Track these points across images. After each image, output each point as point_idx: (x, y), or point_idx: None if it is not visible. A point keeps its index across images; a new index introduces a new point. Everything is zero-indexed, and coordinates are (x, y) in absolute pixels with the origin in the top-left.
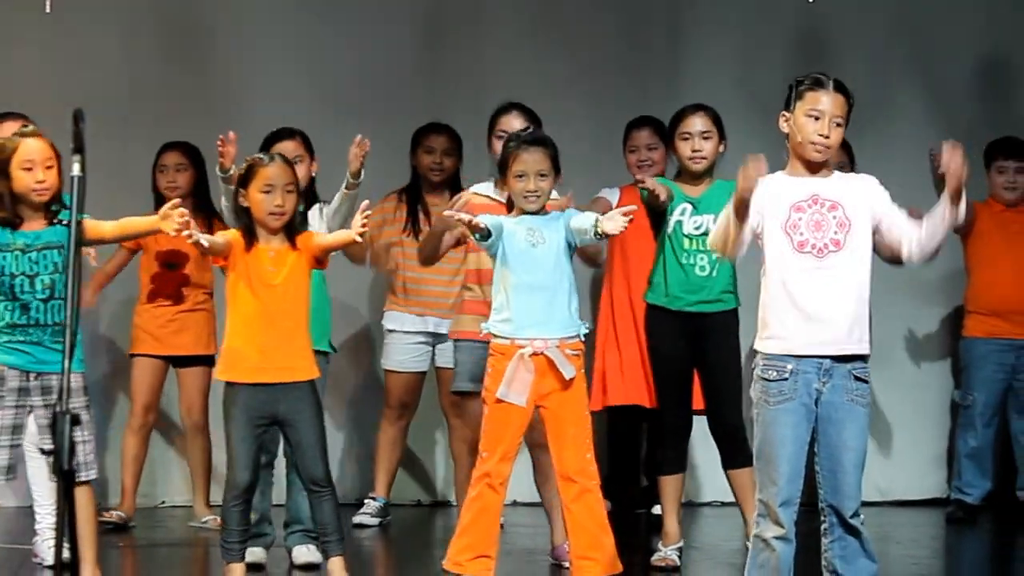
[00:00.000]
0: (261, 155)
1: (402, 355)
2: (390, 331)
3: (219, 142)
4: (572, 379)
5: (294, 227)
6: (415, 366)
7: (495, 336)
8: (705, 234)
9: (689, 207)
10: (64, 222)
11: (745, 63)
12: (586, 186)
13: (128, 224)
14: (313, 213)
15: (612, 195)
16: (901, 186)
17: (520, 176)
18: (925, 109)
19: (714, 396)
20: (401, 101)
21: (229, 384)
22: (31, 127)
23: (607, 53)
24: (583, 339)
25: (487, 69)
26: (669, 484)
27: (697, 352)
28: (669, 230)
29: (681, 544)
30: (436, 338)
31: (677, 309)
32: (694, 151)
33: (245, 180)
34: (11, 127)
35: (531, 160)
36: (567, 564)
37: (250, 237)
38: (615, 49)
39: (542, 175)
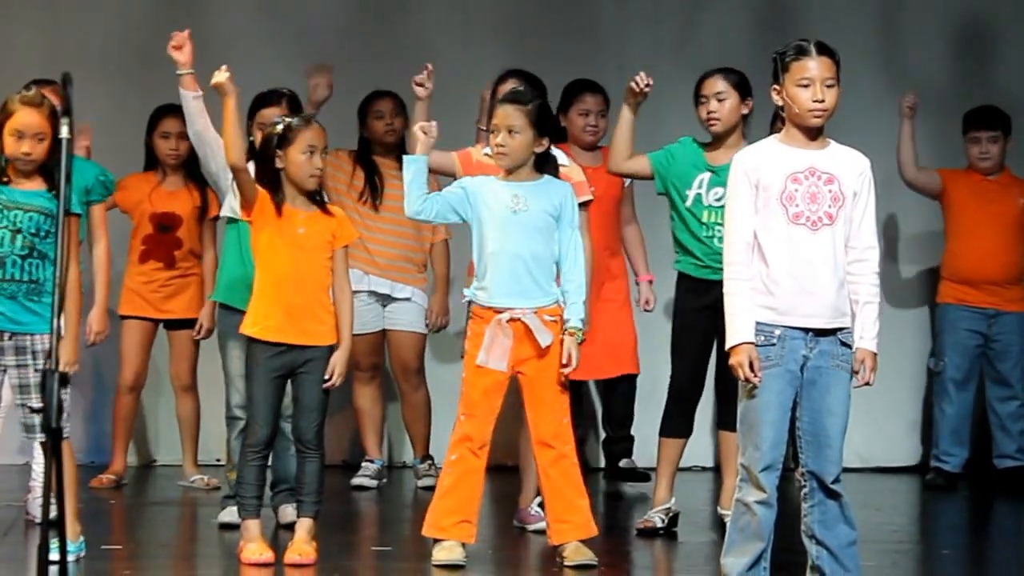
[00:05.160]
0: (298, 117)
1: (359, 318)
2: None
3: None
4: (549, 346)
5: (320, 192)
6: (373, 326)
7: (474, 301)
8: (724, 205)
9: (708, 176)
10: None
11: (695, 24)
12: None
13: (100, 273)
14: None
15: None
16: (868, 154)
17: (493, 131)
18: (898, 76)
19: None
20: (391, 62)
21: (252, 340)
22: (33, 91)
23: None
24: (562, 304)
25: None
26: (667, 447)
27: (721, 321)
28: (689, 203)
29: (669, 506)
30: (384, 299)
31: (701, 277)
32: (709, 112)
33: (283, 142)
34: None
35: (502, 115)
36: (531, 527)
37: (279, 199)
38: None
39: (512, 131)
